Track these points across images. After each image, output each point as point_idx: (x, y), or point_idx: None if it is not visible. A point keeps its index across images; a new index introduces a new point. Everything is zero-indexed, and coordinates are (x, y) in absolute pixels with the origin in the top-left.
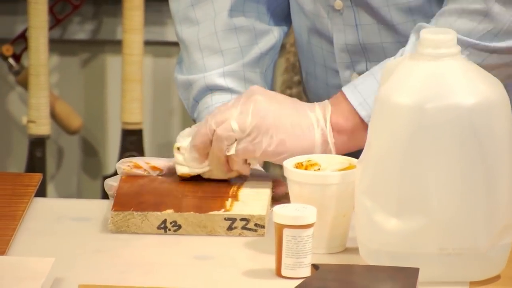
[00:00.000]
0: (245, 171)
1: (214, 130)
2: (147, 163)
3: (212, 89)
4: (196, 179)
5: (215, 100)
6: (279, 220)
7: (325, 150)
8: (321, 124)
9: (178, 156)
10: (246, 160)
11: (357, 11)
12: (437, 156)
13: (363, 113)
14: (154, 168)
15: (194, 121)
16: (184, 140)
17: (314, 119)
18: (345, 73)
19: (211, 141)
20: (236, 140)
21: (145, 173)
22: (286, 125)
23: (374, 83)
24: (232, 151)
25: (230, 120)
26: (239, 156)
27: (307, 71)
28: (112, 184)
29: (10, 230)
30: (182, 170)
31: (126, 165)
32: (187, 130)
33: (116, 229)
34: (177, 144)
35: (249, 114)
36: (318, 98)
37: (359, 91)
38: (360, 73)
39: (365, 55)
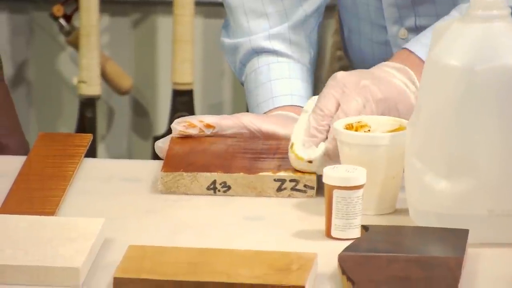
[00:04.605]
0: None
1: None
2: (201, 122)
3: (258, 51)
4: (245, 140)
5: (262, 62)
6: (329, 181)
7: None
8: (412, 88)
9: (308, 168)
10: None
11: None
12: (487, 118)
13: None
14: (208, 126)
15: (242, 84)
16: (309, 151)
17: (403, 84)
18: (393, 29)
19: None
20: None
21: (200, 133)
22: (398, 99)
23: None
24: None
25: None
26: None
27: (350, 28)
28: (161, 146)
29: (60, 190)
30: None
31: (181, 125)
32: (298, 133)
33: (165, 190)
34: (307, 157)
35: (372, 103)
36: (361, 54)
37: None
38: (408, 28)
39: (414, 10)
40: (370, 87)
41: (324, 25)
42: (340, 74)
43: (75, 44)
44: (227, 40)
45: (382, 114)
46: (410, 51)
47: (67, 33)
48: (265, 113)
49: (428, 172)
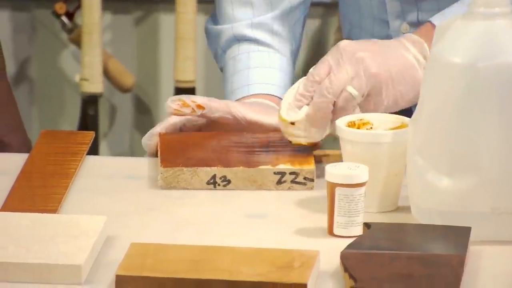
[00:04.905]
0: None
1: (335, 102)
2: (193, 102)
3: (240, 39)
4: (234, 134)
5: (242, 50)
6: (331, 179)
7: None
8: (422, 63)
9: (292, 130)
10: None
11: None
12: (489, 115)
13: None
14: (199, 106)
15: (221, 70)
16: (291, 113)
17: (413, 59)
18: (395, 23)
19: (331, 111)
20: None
21: (192, 113)
22: (398, 75)
23: None
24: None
25: (347, 87)
26: None
27: (352, 23)
28: (148, 142)
29: (62, 188)
30: (300, 141)
31: (176, 103)
32: (287, 99)
33: (166, 185)
34: (290, 119)
35: (362, 75)
36: None
37: None
38: (410, 23)
39: (417, 5)
40: (365, 59)
41: (326, 22)
42: (343, 43)
43: (77, 42)
44: (210, 26)
45: (372, 89)
46: (433, 24)
47: (70, 31)
48: (238, 99)
49: (430, 170)
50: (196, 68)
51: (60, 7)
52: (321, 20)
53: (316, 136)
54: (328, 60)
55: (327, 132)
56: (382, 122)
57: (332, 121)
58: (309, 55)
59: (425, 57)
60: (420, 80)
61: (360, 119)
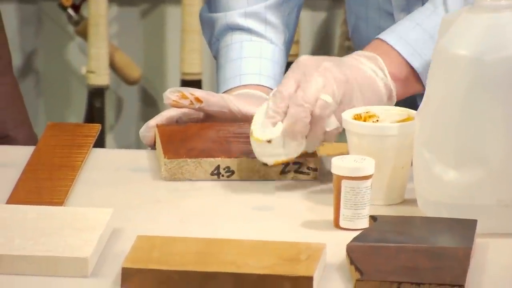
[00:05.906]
0: (334, 138)
1: (312, 111)
2: (192, 94)
3: (233, 28)
4: (230, 124)
5: (235, 39)
6: (337, 171)
7: (389, 99)
8: (380, 75)
9: (270, 150)
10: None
11: None
12: (495, 108)
13: (416, 64)
14: (197, 99)
15: (215, 58)
16: (267, 131)
17: (372, 72)
18: (400, 16)
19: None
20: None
21: (190, 105)
22: (363, 84)
23: (421, 33)
24: (334, 125)
25: (321, 95)
26: (339, 128)
27: (358, 15)
28: (146, 134)
29: (69, 180)
30: (279, 159)
31: (175, 95)
32: (258, 120)
33: (170, 177)
34: (266, 137)
35: (333, 83)
36: (369, 41)
37: (408, 42)
38: None
39: None
40: (331, 68)
41: (332, 15)
42: (303, 57)
43: (84, 34)
44: (205, 14)
45: (343, 96)
46: (382, 40)
47: (76, 23)
48: (231, 89)
49: (436, 162)
50: (202, 61)
51: (67, 0)
52: (327, 13)
53: (295, 150)
54: (291, 75)
55: (303, 145)
56: (388, 115)
57: (308, 135)
58: (315, 48)
59: (382, 69)
60: (381, 92)
61: (366, 112)
